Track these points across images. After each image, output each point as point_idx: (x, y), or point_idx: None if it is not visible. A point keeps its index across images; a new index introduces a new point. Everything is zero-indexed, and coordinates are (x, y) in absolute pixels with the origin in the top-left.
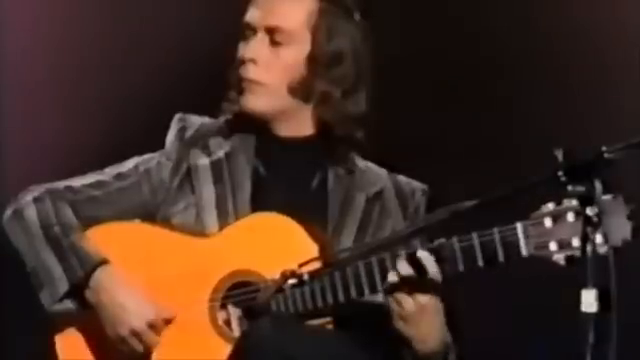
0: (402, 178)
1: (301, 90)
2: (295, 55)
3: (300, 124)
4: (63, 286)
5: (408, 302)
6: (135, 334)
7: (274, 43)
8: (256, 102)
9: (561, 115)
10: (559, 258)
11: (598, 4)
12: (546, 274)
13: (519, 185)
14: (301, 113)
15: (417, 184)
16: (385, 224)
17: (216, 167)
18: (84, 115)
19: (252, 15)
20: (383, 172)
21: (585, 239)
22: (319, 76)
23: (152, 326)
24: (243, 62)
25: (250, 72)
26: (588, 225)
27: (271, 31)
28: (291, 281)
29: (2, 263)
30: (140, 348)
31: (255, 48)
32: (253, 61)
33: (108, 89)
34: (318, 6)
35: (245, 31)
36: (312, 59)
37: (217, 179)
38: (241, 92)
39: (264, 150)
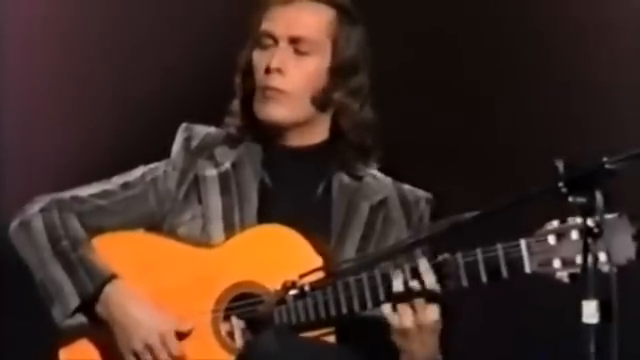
0: (407, 187)
1: (321, 100)
2: (318, 65)
3: (313, 132)
4: (74, 301)
5: (408, 319)
6: (149, 348)
7: (298, 53)
8: (280, 112)
9: (563, 124)
10: (562, 275)
11: (600, 9)
12: (548, 284)
13: (520, 196)
14: (316, 122)
15: (422, 193)
16: (389, 233)
17: (223, 178)
18: (87, 124)
19: (273, 25)
20: (388, 181)
21: (586, 250)
22: (338, 86)
23: (166, 341)
24: (268, 71)
25: (276, 81)
26: (589, 236)
27: (295, 41)
28: (292, 292)
29: (6, 273)
30: None
31: (281, 58)
32: (279, 71)
33: (111, 98)
34: (334, 15)
35: (262, 40)
36: (333, 68)
37: (224, 190)
38: (264, 101)
39: (271, 161)
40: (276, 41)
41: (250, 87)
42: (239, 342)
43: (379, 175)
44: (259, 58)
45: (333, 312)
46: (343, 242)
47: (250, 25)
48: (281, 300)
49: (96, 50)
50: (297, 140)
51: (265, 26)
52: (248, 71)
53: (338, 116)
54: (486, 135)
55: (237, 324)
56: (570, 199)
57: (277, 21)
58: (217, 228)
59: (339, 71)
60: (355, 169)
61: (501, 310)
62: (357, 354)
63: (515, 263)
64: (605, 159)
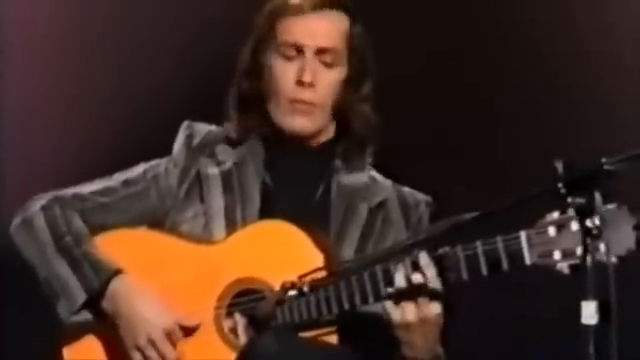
0: (407, 189)
1: (339, 108)
2: (339, 75)
3: (321, 135)
4: (80, 297)
5: (411, 312)
6: (152, 343)
7: (325, 64)
8: (308, 124)
9: (563, 126)
10: (563, 267)
11: (600, 13)
12: (547, 283)
13: (519, 197)
14: (328, 126)
15: (421, 196)
16: (387, 235)
17: (226, 177)
18: (87, 124)
19: (298, 36)
20: (388, 183)
21: (585, 251)
22: (351, 93)
23: (170, 336)
24: (302, 84)
25: (308, 95)
26: (588, 237)
27: (321, 52)
28: (291, 293)
29: (8, 271)
30: (157, 358)
31: (312, 71)
32: (311, 85)
33: (111, 98)
34: (348, 22)
35: (285, 50)
36: (350, 77)
37: (227, 189)
38: (292, 113)
39: (273, 161)
40: (301, 52)
41: (257, 90)
42: (243, 339)
43: (379, 177)
44: (284, 68)
45: (335, 308)
46: (341, 243)
47: (259, 29)
48: (280, 301)
49: (96, 50)
50: (304, 142)
51: (288, 37)
52: (254, 74)
53: (349, 119)
54: (486, 137)
55: (240, 321)
56: (569, 200)
57: (302, 32)
58: (219, 227)
59: (355, 79)
60: (356, 162)
61: (500, 310)
62: (358, 355)
63: (515, 255)
64: (604, 160)
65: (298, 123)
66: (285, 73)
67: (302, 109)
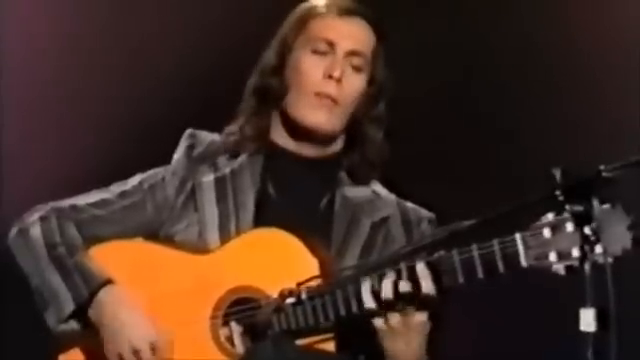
0: (410, 205)
1: (353, 121)
2: (363, 83)
3: (330, 145)
4: (69, 306)
5: (395, 317)
6: (135, 354)
7: (353, 67)
8: (329, 120)
9: (561, 134)
10: (559, 268)
11: (598, 21)
12: (546, 290)
13: (517, 204)
14: (338, 137)
15: (425, 213)
16: (389, 250)
17: (220, 184)
18: (87, 131)
19: (334, 34)
20: (392, 198)
21: (584, 257)
22: (367, 110)
23: (153, 347)
24: (330, 77)
25: (334, 90)
26: (586, 244)
27: (352, 54)
28: (289, 300)
29: (7, 282)
30: None
31: (342, 68)
32: (339, 81)
33: (110, 106)
34: (376, 40)
35: (319, 45)
36: (367, 93)
37: (220, 197)
38: (315, 107)
39: (278, 170)
40: (332, 48)
41: (279, 87)
42: (239, 348)
43: (383, 192)
44: (313, 62)
45: (331, 315)
46: (343, 256)
47: (288, 28)
48: (278, 308)
49: (96, 57)
50: (312, 151)
51: (322, 32)
52: (279, 71)
53: (361, 138)
54: (486, 143)
55: (236, 329)
56: (567, 207)
57: (336, 30)
58: (213, 236)
59: (371, 96)
60: (361, 177)
61: (499, 313)
62: None
63: (511, 258)
64: (602, 167)
65: (318, 118)
66: (313, 66)
67: (325, 104)
